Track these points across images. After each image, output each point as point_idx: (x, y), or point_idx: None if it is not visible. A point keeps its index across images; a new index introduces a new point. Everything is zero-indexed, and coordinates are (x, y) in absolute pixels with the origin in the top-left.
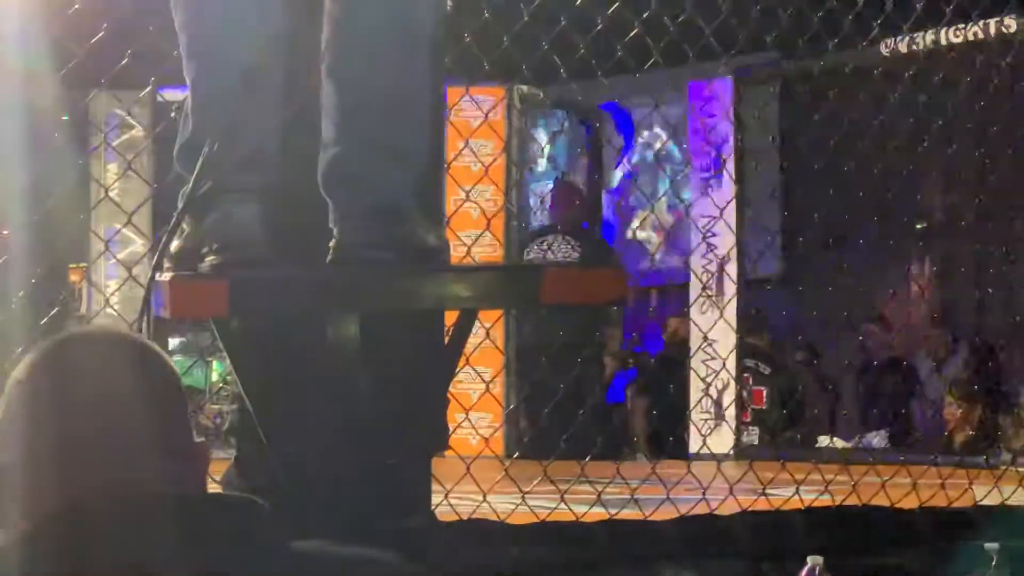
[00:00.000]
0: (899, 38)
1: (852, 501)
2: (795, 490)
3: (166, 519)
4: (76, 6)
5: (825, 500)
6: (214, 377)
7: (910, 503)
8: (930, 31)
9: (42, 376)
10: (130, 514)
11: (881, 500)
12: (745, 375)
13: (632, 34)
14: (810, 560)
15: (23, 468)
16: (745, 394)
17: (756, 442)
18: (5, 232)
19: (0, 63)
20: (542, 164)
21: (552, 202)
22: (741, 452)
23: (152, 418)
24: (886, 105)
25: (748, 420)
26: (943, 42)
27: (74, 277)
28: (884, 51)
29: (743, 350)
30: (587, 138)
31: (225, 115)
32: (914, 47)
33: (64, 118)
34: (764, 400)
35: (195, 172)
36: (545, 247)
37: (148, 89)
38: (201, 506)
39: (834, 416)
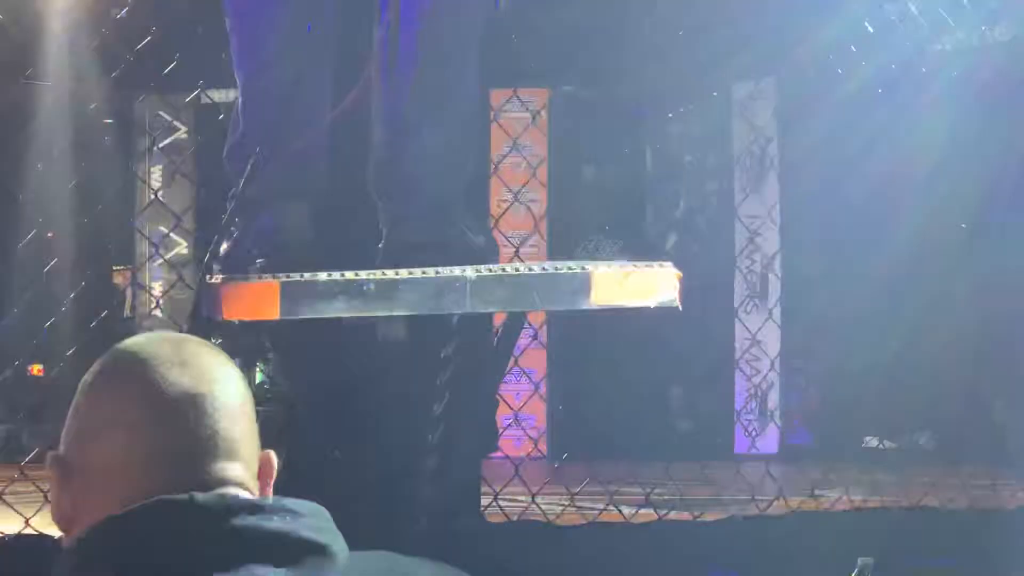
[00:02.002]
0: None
1: (902, 502)
2: (845, 490)
3: (226, 524)
4: (124, 11)
5: (874, 501)
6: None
7: (960, 504)
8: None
9: (110, 380)
10: (187, 520)
11: (931, 501)
12: (807, 374)
13: (677, 34)
14: (860, 561)
15: (87, 471)
16: (799, 394)
17: (807, 442)
18: (51, 234)
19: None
20: (587, 166)
21: (598, 203)
22: (787, 452)
23: (223, 424)
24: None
25: (814, 420)
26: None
27: (118, 279)
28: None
29: (798, 350)
30: (631, 138)
31: (275, 117)
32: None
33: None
34: (825, 400)
35: (245, 175)
36: (592, 248)
37: (196, 92)
38: (261, 510)
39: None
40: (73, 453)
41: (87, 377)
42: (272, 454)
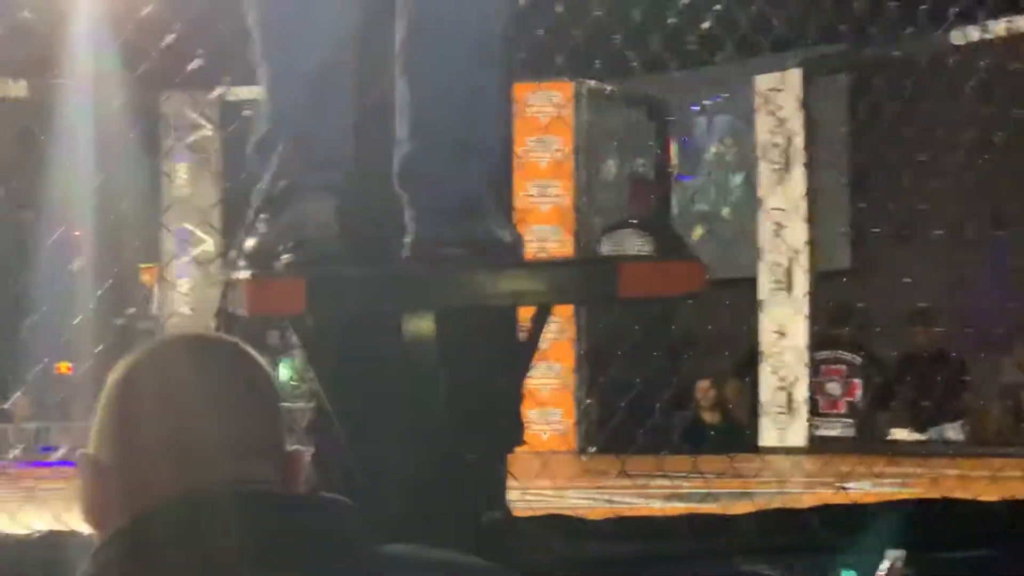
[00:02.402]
0: (971, 26)
1: (931, 494)
2: (874, 483)
3: (259, 519)
4: (148, 8)
5: (904, 493)
6: (282, 376)
7: (990, 495)
8: (1003, 19)
9: (141, 377)
10: (223, 514)
11: (961, 493)
12: (835, 367)
13: (704, 26)
14: (890, 554)
15: (120, 467)
16: (835, 386)
17: (837, 434)
18: (77, 233)
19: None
20: (612, 159)
21: (628, 197)
22: (814, 445)
23: (251, 420)
24: (959, 95)
25: (843, 412)
26: (1020, 30)
27: (145, 277)
28: (956, 40)
29: (825, 343)
30: (657, 132)
31: (300, 113)
32: (986, 36)
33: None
34: (857, 392)
35: (270, 170)
36: (617, 241)
37: (221, 90)
38: (294, 506)
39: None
40: (104, 451)
41: (116, 375)
42: (302, 451)
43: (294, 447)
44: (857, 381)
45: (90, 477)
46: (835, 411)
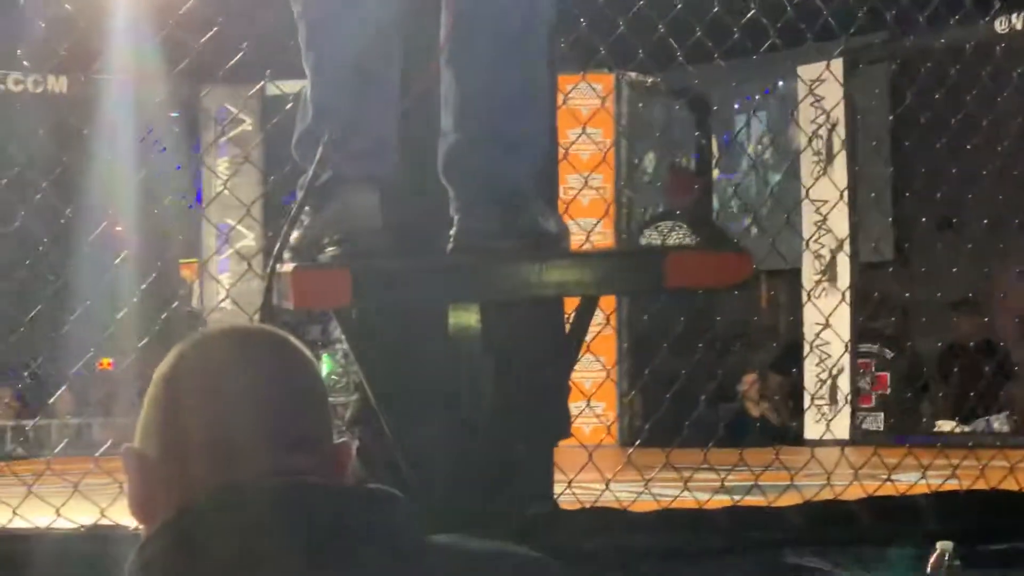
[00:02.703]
0: (1016, 15)
1: (979, 486)
2: (921, 474)
3: (305, 511)
4: (190, 3)
5: (952, 485)
6: (324, 370)
7: None
8: None
9: (187, 371)
10: (268, 506)
11: (1009, 485)
12: (866, 360)
13: (747, 17)
14: (939, 545)
15: (165, 461)
16: (868, 379)
17: (880, 427)
18: (119, 228)
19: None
20: (653, 151)
21: (668, 188)
22: (858, 437)
23: (297, 413)
24: (1004, 84)
25: (871, 405)
26: None
27: (185, 272)
28: (1000, 28)
29: (862, 335)
30: (699, 123)
31: (345, 105)
32: None
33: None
34: (888, 384)
35: (314, 162)
36: (660, 233)
37: (262, 83)
38: (340, 497)
39: (956, 400)
40: (150, 445)
41: (162, 369)
42: (348, 443)
43: (341, 439)
44: (886, 374)
45: (136, 471)
46: (880, 403)
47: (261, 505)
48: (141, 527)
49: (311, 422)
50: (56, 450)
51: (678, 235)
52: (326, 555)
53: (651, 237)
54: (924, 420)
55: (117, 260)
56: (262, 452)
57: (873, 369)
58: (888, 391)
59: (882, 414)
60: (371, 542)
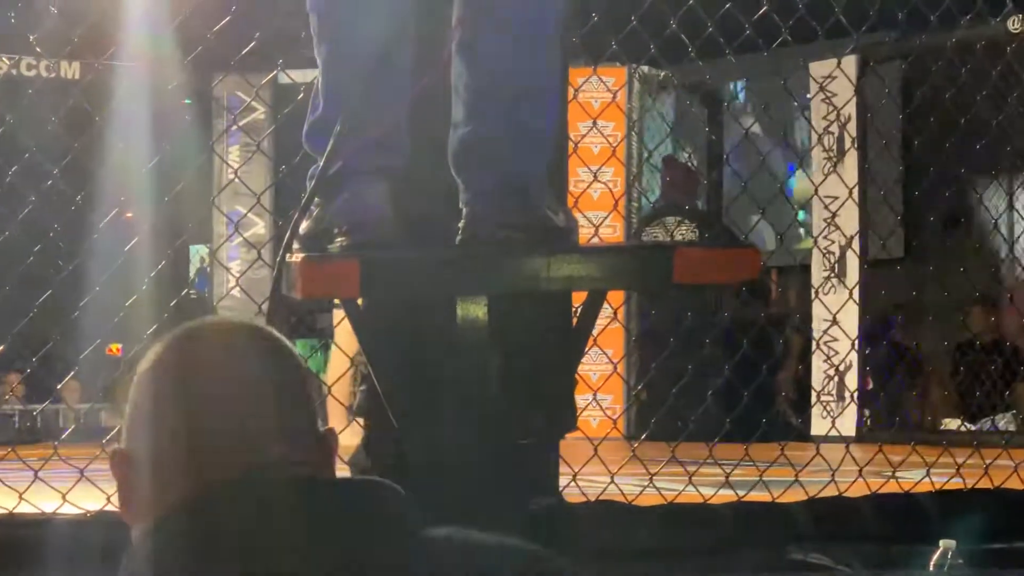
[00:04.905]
0: None
1: (984, 484)
2: (926, 472)
3: (300, 504)
4: None
5: (956, 483)
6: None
7: None
8: None
9: (164, 370)
10: (261, 500)
11: (1013, 484)
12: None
13: (759, 13)
14: (942, 543)
15: (154, 457)
16: (877, 376)
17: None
18: (128, 215)
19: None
20: (665, 144)
21: (662, 181)
22: (864, 434)
23: (280, 405)
24: (1015, 83)
25: (878, 402)
26: None
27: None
28: (1013, 27)
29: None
30: (709, 118)
31: (356, 95)
32: None
33: (187, 102)
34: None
35: (325, 153)
36: (666, 228)
37: (275, 72)
38: (337, 490)
39: (961, 399)
40: (137, 445)
41: (144, 369)
42: (335, 431)
43: (326, 428)
44: (904, 371)
45: (123, 472)
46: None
47: (273, 496)
48: (132, 527)
49: (297, 413)
50: (63, 436)
51: (687, 230)
52: (325, 548)
53: (655, 233)
54: (930, 418)
55: (127, 247)
56: (251, 444)
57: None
58: (896, 389)
59: (885, 412)
60: (372, 534)
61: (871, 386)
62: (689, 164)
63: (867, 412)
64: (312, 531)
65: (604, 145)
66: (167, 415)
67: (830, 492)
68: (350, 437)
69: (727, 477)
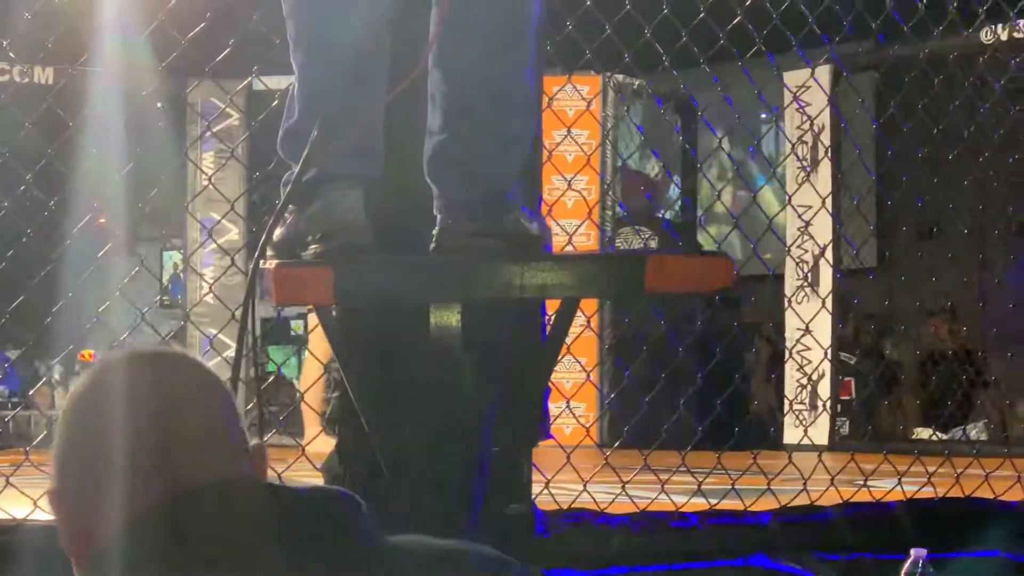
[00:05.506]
0: (1000, 25)
1: (955, 493)
2: (897, 481)
3: (264, 512)
4: None
5: (927, 492)
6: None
7: (1014, 495)
8: None
9: (86, 407)
10: (204, 516)
11: (984, 492)
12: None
13: (734, 23)
14: (913, 552)
15: (92, 494)
16: (850, 385)
17: (858, 434)
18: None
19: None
20: (638, 154)
21: (623, 191)
22: (836, 443)
23: (207, 426)
24: (988, 94)
25: (850, 411)
26: None
27: (170, 266)
28: (985, 39)
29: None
30: (683, 127)
31: (332, 103)
32: (1016, 35)
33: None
34: (852, 391)
35: (300, 159)
36: (645, 236)
37: (249, 79)
38: (298, 498)
39: (932, 407)
40: (71, 483)
41: (69, 408)
42: (263, 445)
43: (255, 442)
44: (850, 380)
45: (64, 512)
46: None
47: (222, 508)
48: (77, 563)
49: (230, 432)
50: (35, 442)
51: (661, 238)
52: (285, 555)
53: (635, 240)
54: (901, 427)
55: (100, 252)
56: (182, 469)
57: (851, 376)
58: (866, 398)
59: (859, 421)
60: (327, 541)
61: (851, 395)
62: (643, 172)
63: (844, 420)
64: (265, 542)
65: (578, 153)
66: (100, 450)
67: (802, 501)
68: (324, 444)
69: (699, 485)
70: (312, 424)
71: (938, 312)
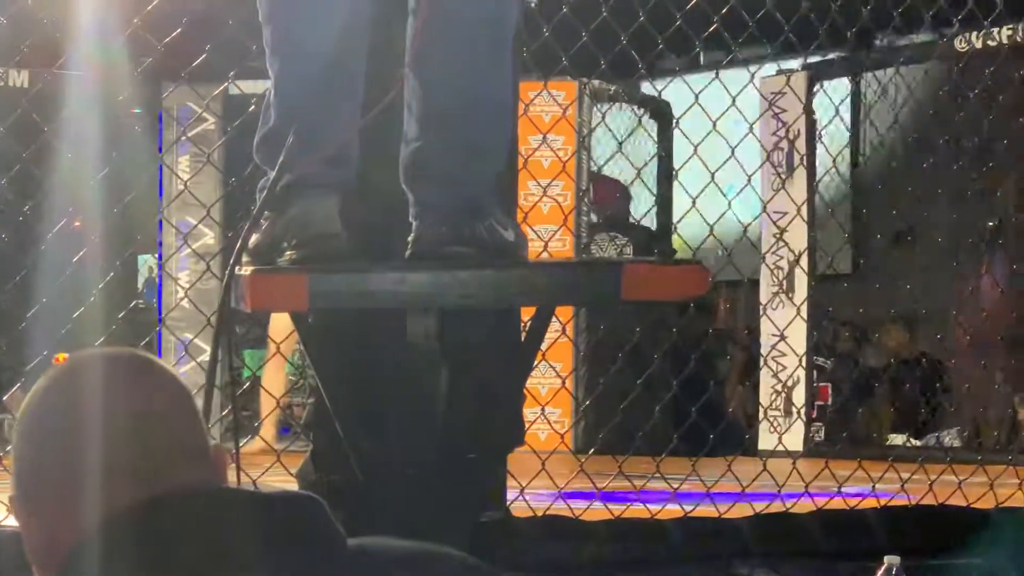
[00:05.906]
0: (975, 33)
1: (928, 500)
2: (871, 488)
3: (230, 517)
4: (155, 1)
5: (901, 500)
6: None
7: (987, 503)
8: (1008, 26)
9: (43, 413)
10: (196, 515)
11: (958, 500)
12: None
13: (710, 30)
14: (887, 560)
15: (55, 501)
16: (825, 391)
17: (831, 441)
18: (77, 224)
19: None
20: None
21: (592, 197)
22: (811, 450)
23: (169, 428)
24: (963, 102)
25: (824, 418)
26: (1020, 38)
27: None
28: (960, 47)
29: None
30: (660, 132)
31: (308, 109)
32: (990, 43)
33: (136, 111)
34: (829, 396)
35: (276, 165)
36: (620, 243)
37: (226, 84)
38: (263, 502)
39: (906, 414)
40: (32, 490)
41: (26, 414)
42: (223, 449)
43: (215, 444)
44: (826, 386)
45: (28, 520)
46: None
47: (186, 515)
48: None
49: (193, 433)
50: (8, 448)
51: (637, 246)
52: (249, 559)
53: (611, 248)
54: (875, 434)
55: (76, 256)
56: (147, 474)
57: (826, 382)
58: (840, 404)
59: (834, 428)
60: (293, 545)
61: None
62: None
63: (819, 425)
64: (242, 543)
65: (554, 159)
66: (63, 455)
67: (776, 508)
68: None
69: (674, 492)
70: (269, 424)
71: (896, 320)
